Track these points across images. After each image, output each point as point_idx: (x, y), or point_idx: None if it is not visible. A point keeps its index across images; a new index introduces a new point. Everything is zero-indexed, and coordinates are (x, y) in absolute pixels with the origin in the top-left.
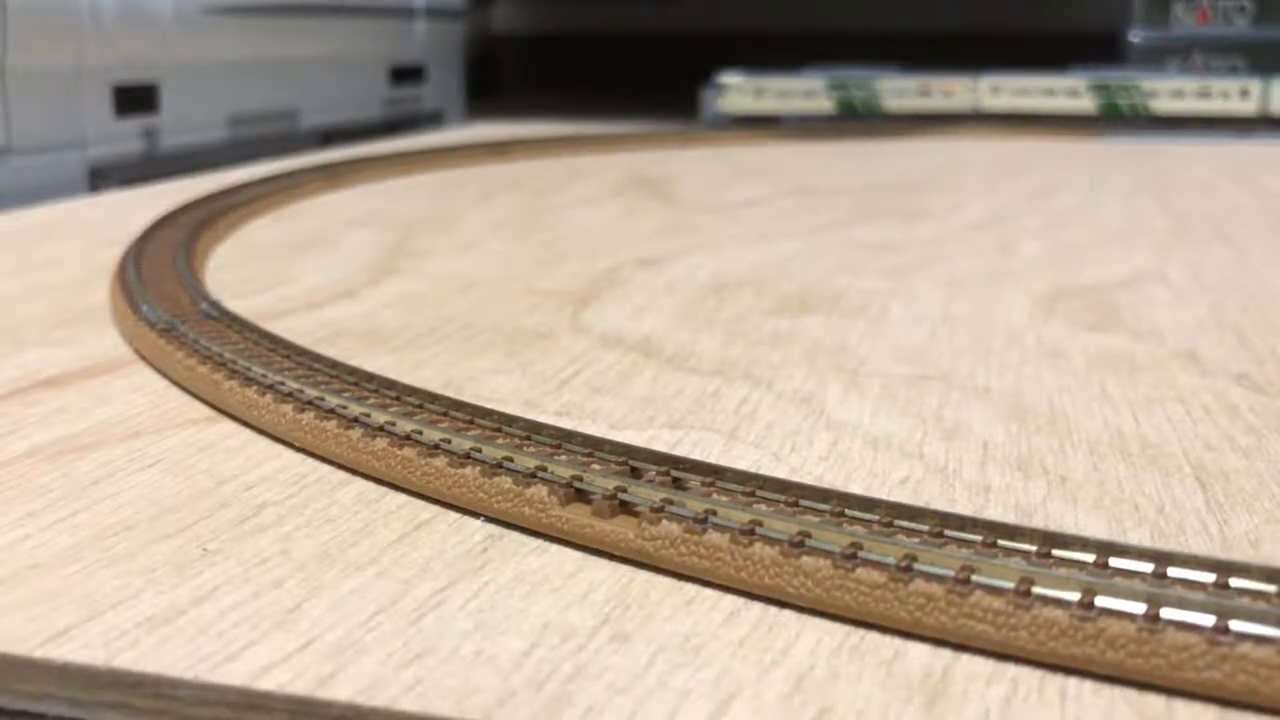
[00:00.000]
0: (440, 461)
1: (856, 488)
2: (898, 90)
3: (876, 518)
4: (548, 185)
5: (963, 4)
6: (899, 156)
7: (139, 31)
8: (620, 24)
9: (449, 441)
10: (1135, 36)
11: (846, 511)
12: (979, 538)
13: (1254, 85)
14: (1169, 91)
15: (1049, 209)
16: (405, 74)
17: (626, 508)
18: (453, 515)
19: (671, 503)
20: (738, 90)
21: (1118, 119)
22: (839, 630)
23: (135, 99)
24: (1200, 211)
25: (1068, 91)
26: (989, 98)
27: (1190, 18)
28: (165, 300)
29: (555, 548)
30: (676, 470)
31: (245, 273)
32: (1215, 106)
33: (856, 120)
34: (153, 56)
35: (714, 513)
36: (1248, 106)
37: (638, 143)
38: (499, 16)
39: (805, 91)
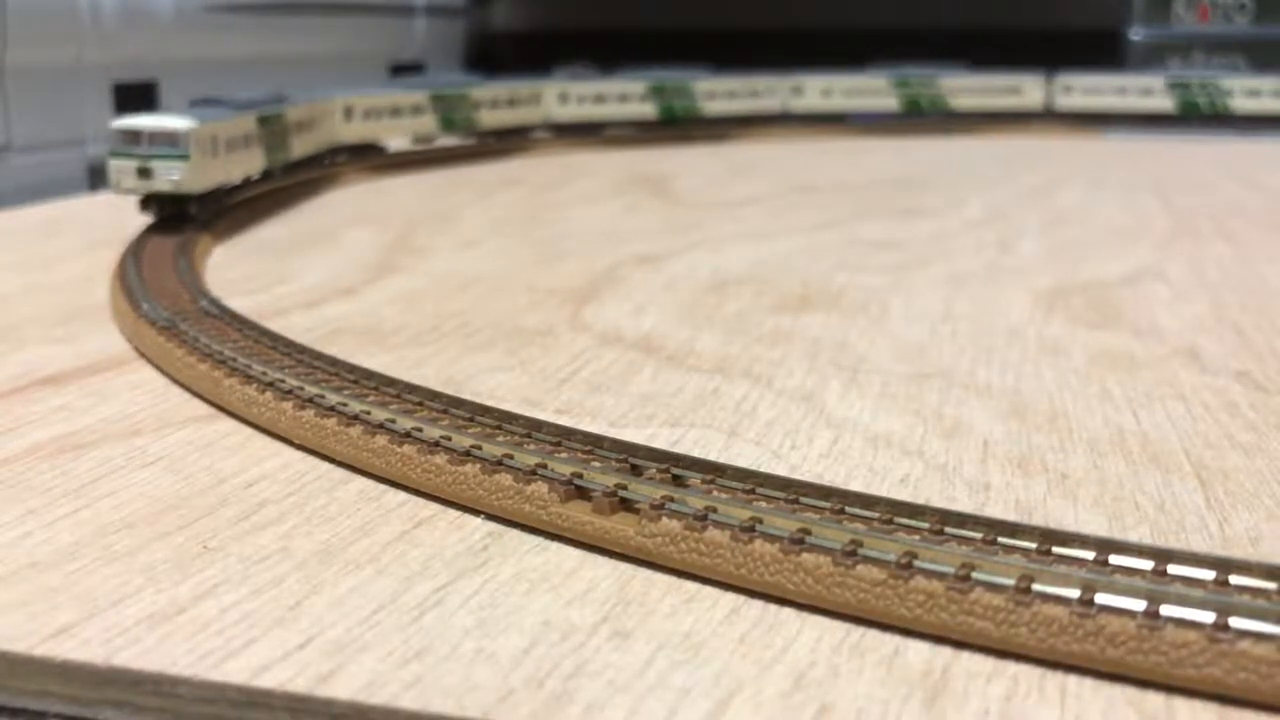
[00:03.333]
0: (441, 459)
1: (857, 485)
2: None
3: (877, 515)
4: (547, 183)
5: (965, 2)
6: (897, 154)
7: (139, 30)
8: (619, 20)
9: (449, 439)
10: (1136, 34)
11: (846, 509)
12: (979, 535)
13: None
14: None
15: (1049, 206)
16: (405, 71)
17: (627, 505)
18: (453, 513)
19: (672, 500)
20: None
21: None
22: (839, 628)
23: (135, 97)
24: (1201, 209)
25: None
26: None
27: (1191, 16)
28: (165, 298)
29: (555, 545)
30: (677, 468)
31: (245, 270)
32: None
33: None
34: (152, 54)
35: (714, 510)
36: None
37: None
38: (498, 14)
39: (243, 139)
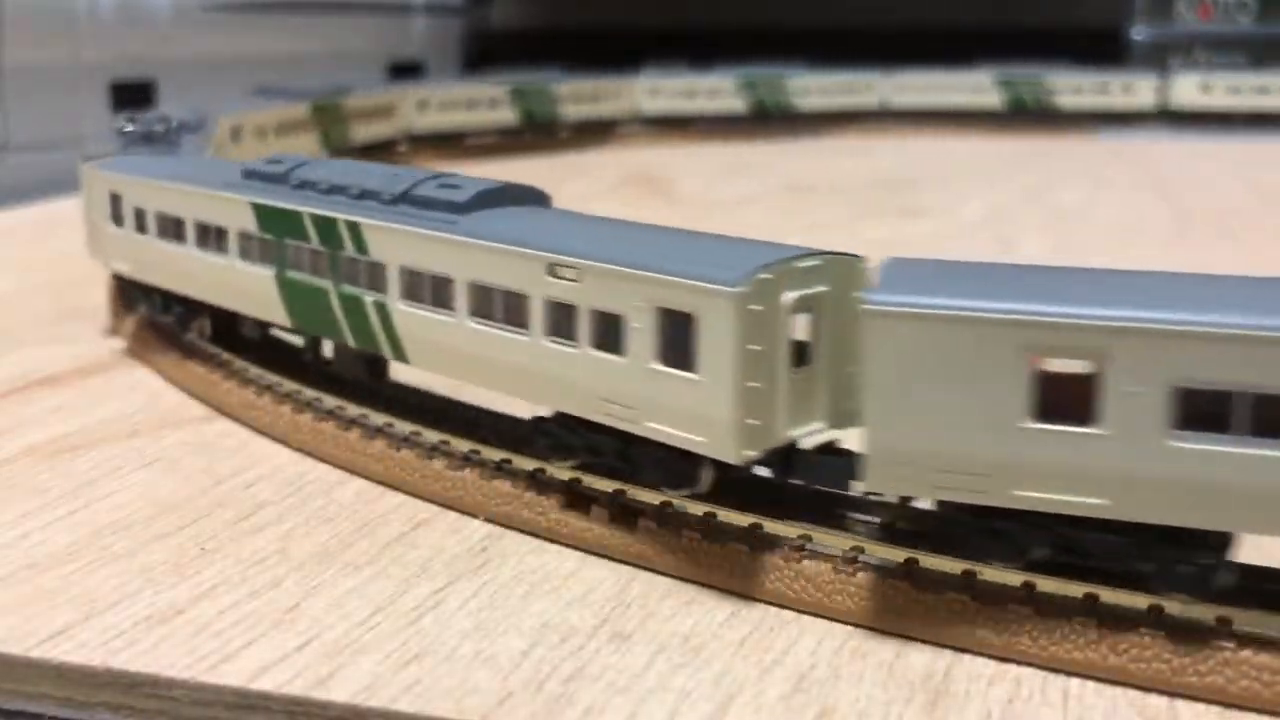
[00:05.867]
0: (439, 464)
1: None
2: None
3: (879, 520)
4: (547, 182)
5: (962, 0)
6: (897, 153)
7: (136, 29)
8: (618, 19)
9: (447, 443)
10: (1138, 33)
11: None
12: None
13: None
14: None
15: (1050, 206)
16: (403, 70)
17: (627, 511)
18: (451, 514)
19: (671, 505)
20: None
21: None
22: (840, 630)
23: (133, 95)
24: (1203, 208)
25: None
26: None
27: (1193, 14)
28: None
29: (554, 547)
30: None
31: None
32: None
33: None
34: (150, 53)
35: (715, 516)
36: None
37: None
38: (496, 12)
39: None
